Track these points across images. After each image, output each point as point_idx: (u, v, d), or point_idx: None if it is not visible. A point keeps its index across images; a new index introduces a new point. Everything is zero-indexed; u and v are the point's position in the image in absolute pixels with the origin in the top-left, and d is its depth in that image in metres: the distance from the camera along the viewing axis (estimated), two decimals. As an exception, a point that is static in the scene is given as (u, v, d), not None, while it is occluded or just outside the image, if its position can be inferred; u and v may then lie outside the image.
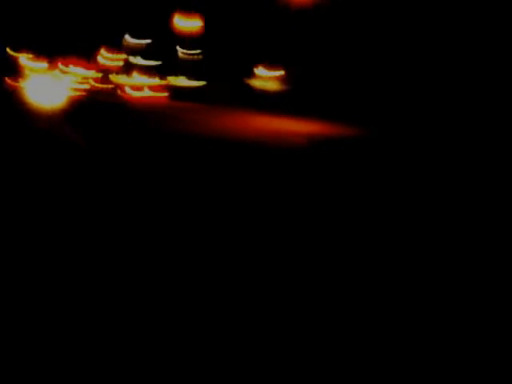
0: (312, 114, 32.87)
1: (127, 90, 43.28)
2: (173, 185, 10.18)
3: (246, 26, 48.35)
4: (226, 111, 34.58)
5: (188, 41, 56.69)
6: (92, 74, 57.11)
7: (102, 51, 65.66)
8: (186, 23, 55.47)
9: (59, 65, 55.30)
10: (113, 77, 55.38)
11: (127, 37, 65.26)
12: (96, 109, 32.02)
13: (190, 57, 58.04)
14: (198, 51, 55.97)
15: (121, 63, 62.67)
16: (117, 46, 64.58)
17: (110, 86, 49.90)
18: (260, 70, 51.86)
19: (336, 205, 9.50)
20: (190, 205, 8.83)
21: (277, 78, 49.24)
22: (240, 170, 12.68)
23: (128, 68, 59.56)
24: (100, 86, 52.00)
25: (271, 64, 50.34)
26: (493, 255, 6.93)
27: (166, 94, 42.59)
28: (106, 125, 21.39)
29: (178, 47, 58.99)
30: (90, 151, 13.78)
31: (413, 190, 11.37)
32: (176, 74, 54.21)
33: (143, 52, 63.41)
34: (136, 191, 9.34)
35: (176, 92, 47.76)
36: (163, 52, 58.80)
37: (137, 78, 50.78)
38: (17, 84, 38.29)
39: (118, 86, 48.61)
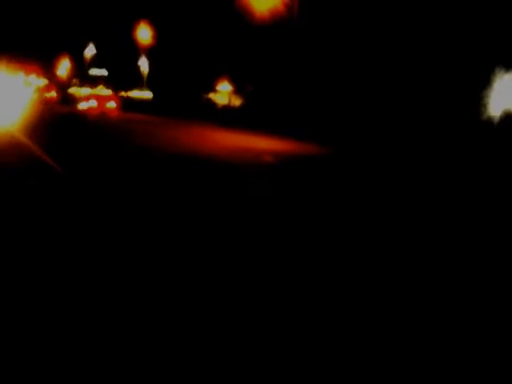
0: (271, 130, 32.33)
1: (82, 100, 41.65)
2: (137, 202, 9.22)
3: (205, 40, 47.37)
4: (185, 125, 33.57)
5: (146, 52, 55.31)
6: (48, 83, 55.15)
7: (61, 61, 64.04)
8: (145, 34, 53.90)
9: (20, 74, 53.14)
10: (68, 87, 53.73)
11: (91, 47, 63.56)
12: (52, 120, 30.58)
13: (147, 69, 56.72)
14: (155, 63, 54.88)
15: (76, 74, 61.13)
16: (75, 56, 62.79)
17: (64, 95, 48.02)
18: (219, 85, 50.97)
19: (309, 222, 8.99)
20: (155, 223, 8.02)
21: (235, 93, 48.43)
22: (210, 187, 11.80)
23: (83, 78, 57.84)
24: (55, 96, 49.97)
25: (230, 79, 49.52)
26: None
27: (118, 106, 41.03)
28: (63, 137, 20.11)
29: (139, 59, 57.84)
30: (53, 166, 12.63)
31: (378, 202, 11.28)
32: (131, 85, 52.60)
33: (100, 63, 61.85)
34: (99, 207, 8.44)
35: (130, 103, 45.99)
36: (120, 63, 57.24)
37: (91, 89, 49.21)
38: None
39: (73, 97, 46.79)
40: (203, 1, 43.73)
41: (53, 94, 50.57)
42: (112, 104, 40.47)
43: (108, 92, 46.65)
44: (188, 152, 18.62)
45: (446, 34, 28.39)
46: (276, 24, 36.42)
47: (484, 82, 27.41)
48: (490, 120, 27.14)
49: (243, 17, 37.50)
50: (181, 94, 47.57)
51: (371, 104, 32.41)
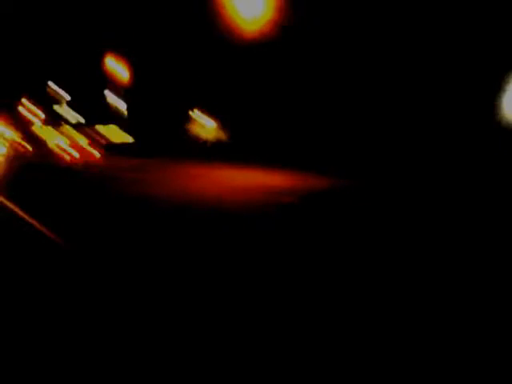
0: (269, 164, 30.05)
1: (61, 150, 38.77)
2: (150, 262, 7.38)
3: (185, 72, 44.82)
4: (176, 166, 30.92)
5: (119, 89, 52.42)
6: (21, 134, 51.89)
7: (23, 102, 60.98)
8: (117, 70, 50.97)
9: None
10: (38, 131, 50.71)
11: (51, 84, 60.53)
12: (27, 171, 27.83)
13: (122, 108, 53.80)
14: (130, 100, 51.84)
15: (44, 115, 57.91)
16: (39, 95, 59.58)
17: (39, 146, 44.99)
18: (198, 117, 48.33)
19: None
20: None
21: (220, 126, 45.86)
22: (234, 239, 9.65)
23: (54, 121, 54.79)
24: (29, 148, 46.93)
25: (211, 110, 46.98)
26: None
27: (99, 151, 38.08)
28: (45, 191, 17.41)
29: (108, 97, 54.98)
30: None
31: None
32: (110, 128, 49.74)
33: (70, 103, 58.82)
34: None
35: (111, 147, 42.96)
36: (91, 102, 54.28)
37: (69, 137, 46.36)
38: None
39: (50, 147, 43.85)
40: (181, 31, 41.39)
41: (27, 146, 47.67)
42: (94, 151, 37.78)
43: (87, 138, 44.00)
44: (196, 198, 16.01)
45: (453, 43, 26.39)
46: (266, 45, 34.07)
47: (497, 87, 25.38)
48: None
49: (228, 42, 35.17)
50: (163, 133, 45.06)
51: (376, 125, 30.17)
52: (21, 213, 13.01)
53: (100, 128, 47.92)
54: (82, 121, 55.78)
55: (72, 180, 23.30)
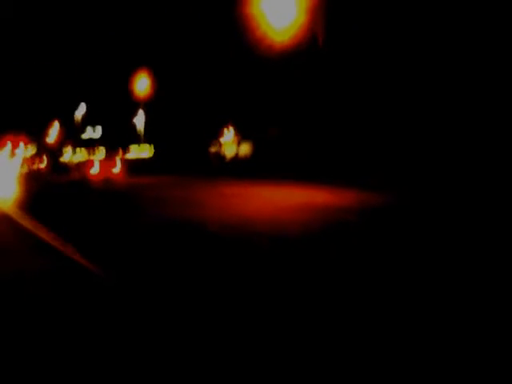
0: (304, 179, 28.36)
1: (79, 168, 37.24)
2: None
3: (210, 84, 43.21)
4: (204, 183, 29.09)
5: (143, 105, 50.92)
6: (37, 153, 50.64)
7: (50, 127, 59.99)
8: (141, 86, 49.41)
9: (7, 145, 48.71)
10: (59, 154, 49.47)
11: (81, 106, 59.32)
12: (48, 194, 26.21)
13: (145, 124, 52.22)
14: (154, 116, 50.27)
15: (68, 138, 56.73)
16: (65, 119, 58.54)
17: (56, 164, 43.62)
18: (225, 135, 46.66)
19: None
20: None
21: (243, 141, 44.10)
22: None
23: (77, 142, 53.50)
24: (45, 165, 45.57)
25: (236, 127, 45.20)
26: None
27: (123, 170, 36.30)
28: (71, 212, 15.64)
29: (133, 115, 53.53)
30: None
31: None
32: (129, 144, 48.19)
33: (94, 122, 57.55)
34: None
35: (133, 165, 41.20)
36: (115, 121, 52.81)
37: (88, 154, 45.04)
38: None
39: (68, 165, 42.46)
40: (209, 39, 39.89)
41: (43, 163, 46.11)
42: (116, 168, 36.03)
43: (107, 155, 42.41)
44: (253, 221, 14.16)
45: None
46: (299, 55, 32.41)
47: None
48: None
49: (257, 52, 33.56)
50: (185, 149, 43.37)
51: (417, 137, 28.51)
52: (46, 235, 11.27)
53: (123, 148, 46.51)
54: (98, 135, 54.38)
55: (93, 197, 21.59)
